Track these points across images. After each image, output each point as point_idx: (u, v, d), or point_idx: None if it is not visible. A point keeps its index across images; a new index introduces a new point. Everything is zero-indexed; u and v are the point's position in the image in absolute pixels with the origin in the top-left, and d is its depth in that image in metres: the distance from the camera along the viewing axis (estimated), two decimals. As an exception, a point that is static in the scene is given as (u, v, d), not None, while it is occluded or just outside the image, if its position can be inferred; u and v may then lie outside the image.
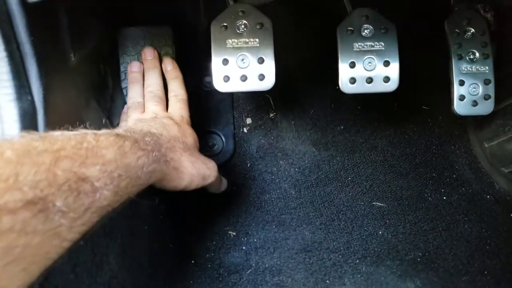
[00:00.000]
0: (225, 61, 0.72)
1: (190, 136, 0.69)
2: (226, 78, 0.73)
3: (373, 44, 0.73)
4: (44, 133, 0.42)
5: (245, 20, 0.73)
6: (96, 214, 0.41)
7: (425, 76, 0.99)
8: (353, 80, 0.73)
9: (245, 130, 0.97)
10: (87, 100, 0.69)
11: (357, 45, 0.73)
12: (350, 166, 0.96)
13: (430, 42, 0.91)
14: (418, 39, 0.92)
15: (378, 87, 0.73)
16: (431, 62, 0.95)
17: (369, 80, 0.73)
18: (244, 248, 0.88)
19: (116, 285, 0.61)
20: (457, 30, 0.80)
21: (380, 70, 0.73)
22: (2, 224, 0.31)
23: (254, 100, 0.98)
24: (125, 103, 0.81)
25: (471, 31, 0.80)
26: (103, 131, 0.48)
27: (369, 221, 0.91)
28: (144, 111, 0.73)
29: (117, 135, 0.48)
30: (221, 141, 0.94)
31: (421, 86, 0.99)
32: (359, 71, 0.73)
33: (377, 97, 0.76)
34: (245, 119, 0.97)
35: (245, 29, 0.73)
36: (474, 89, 0.79)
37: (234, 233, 0.89)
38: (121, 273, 0.63)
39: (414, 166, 0.97)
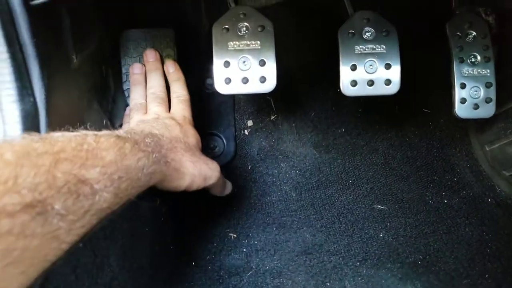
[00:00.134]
0: (227, 63, 0.72)
1: (192, 137, 0.69)
2: (228, 80, 0.73)
3: (374, 46, 0.73)
4: (45, 134, 0.42)
5: (247, 22, 0.73)
6: (96, 217, 0.41)
7: (427, 79, 0.99)
8: (354, 83, 0.73)
9: (246, 132, 0.97)
10: (89, 101, 0.69)
11: (358, 48, 0.74)
12: (351, 168, 0.96)
13: (431, 45, 0.91)
14: (419, 42, 0.92)
15: (379, 90, 0.73)
16: (433, 65, 0.95)
17: (370, 82, 0.73)
18: (244, 250, 0.88)
19: (116, 286, 0.61)
20: (458, 33, 0.80)
21: (381, 73, 0.73)
22: (1, 227, 0.31)
23: (255, 102, 0.98)
24: (126, 104, 0.81)
25: (473, 34, 0.80)
26: (104, 132, 0.48)
27: (370, 224, 0.91)
28: (146, 113, 0.73)
29: (118, 136, 0.48)
30: (222, 143, 0.94)
31: (422, 89, 0.99)
32: (360, 74, 0.73)
33: (378, 100, 0.76)
34: (246, 121, 0.97)
35: (246, 31, 0.73)
36: (475, 92, 0.79)
37: (235, 235, 0.89)
38: (122, 274, 0.63)
39: (415, 169, 0.97)
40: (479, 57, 0.79)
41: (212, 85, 0.82)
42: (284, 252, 0.87)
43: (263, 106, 0.98)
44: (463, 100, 0.79)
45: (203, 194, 0.72)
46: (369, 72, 0.73)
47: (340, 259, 0.87)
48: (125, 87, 0.82)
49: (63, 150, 0.39)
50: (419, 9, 0.92)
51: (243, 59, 0.72)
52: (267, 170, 0.96)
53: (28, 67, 0.49)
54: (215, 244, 0.88)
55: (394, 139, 0.99)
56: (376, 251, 0.87)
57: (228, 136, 0.95)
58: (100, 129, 0.48)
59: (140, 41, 0.82)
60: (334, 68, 0.75)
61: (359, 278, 0.84)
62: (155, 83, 0.77)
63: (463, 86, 0.79)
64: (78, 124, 0.51)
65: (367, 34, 0.74)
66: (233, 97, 0.96)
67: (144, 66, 0.80)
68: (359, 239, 0.89)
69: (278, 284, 0.83)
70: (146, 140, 0.54)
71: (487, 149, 0.94)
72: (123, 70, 0.82)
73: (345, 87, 0.74)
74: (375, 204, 0.93)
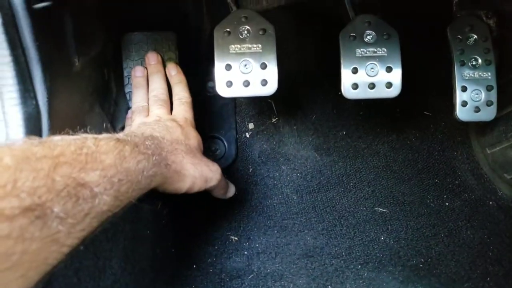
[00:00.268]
0: (228, 67, 0.73)
1: (193, 138, 0.70)
2: (229, 83, 0.73)
3: (375, 50, 0.74)
4: (44, 138, 0.42)
5: (248, 25, 0.73)
6: (96, 220, 0.41)
7: (428, 82, 0.99)
8: (355, 86, 0.73)
9: (247, 135, 0.97)
10: (90, 104, 0.69)
11: (359, 51, 0.74)
12: (352, 171, 0.96)
13: (432, 48, 0.92)
14: (420, 45, 0.92)
15: (381, 93, 0.73)
16: (434, 68, 0.96)
17: (372, 86, 0.73)
18: (246, 253, 0.87)
19: None
20: (459, 36, 0.80)
21: (382, 76, 0.73)
22: None
23: (257, 105, 0.98)
24: (128, 107, 0.82)
25: (474, 37, 0.80)
26: (104, 135, 0.48)
27: (371, 227, 0.91)
28: (148, 115, 0.73)
29: (117, 139, 0.48)
30: (223, 146, 0.95)
31: (423, 92, 0.99)
32: (362, 77, 0.73)
33: (379, 103, 0.76)
34: (248, 124, 0.97)
35: (248, 34, 0.73)
36: (476, 95, 0.79)
37: (236, 238, 0.89)
38: (123, 277, 0.63)
39: (416, 172, 0.97)
40: (480, 60, 0.79)
41: (213, 88, 0.83)
42: (285, 255, 0.87)
43: (264, 109, 0.98)
44: (464, 103, 0.79)
45: (204, 196, 0.72)
46: (370, 75, 0.73)
47: (342, 262, 0.86)
48: (127, 90, 0.83)
49: (63, 154, 0.39)
50: (420, 12, 0.92)
51: (245, 62, 0.73)
52: (268, 173, 0.96)
53: (31, 70, 0.50)
54: (216, 247, 0.88)
55: (395, 142, 0.99)
56: (378, 254, 0.87)
57: (229, 139, 0.95)
58: (101, 132, 0.49)
59: (142, 44, 0.82)
60: (335, 71, 0.75)
61: (361, 281, 0.84)
62: (157, 85, 0.78)
63: (464, 89, 0.79)
64: (80, 127, 0.51)
65: (368, 37, 0.74)
66: (234, 100, 0.97)
67: (146, 69, 0.81)
68: (361, 242, 0.89)
69: (279, 287, 0.83)
70: (146, 143, 0.54)
71: (488, 152, 0.94)
72: (125, 73, 0.83)
73: (346, 90, 0.74)
74: (376, 207, 0.93)
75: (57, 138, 0.42)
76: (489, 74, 0.79)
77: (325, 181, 0.95)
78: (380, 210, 0.92)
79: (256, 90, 0.73)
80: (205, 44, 0.90)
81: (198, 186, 0.65)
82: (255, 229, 0.90)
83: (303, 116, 0.99)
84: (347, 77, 0.74)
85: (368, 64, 0.73)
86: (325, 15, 0.97)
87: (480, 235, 0.90)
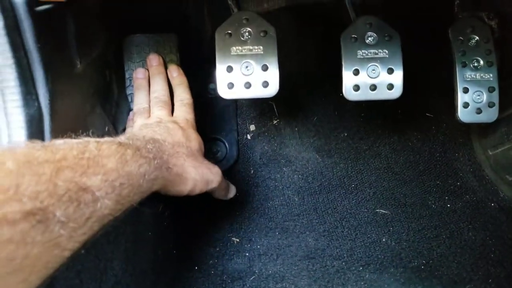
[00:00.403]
0: (229, 68, 0.73)
1: (194, 141, 0.70)
2: (230, 85, 0.73)
3: (377, 51, 0.74)
4: (47, 142, 0.42)
5: (249, 27, 0.73)
6: (98, 223, 0.41)
7: (429, 84, 0.99)
8: (356, 87, 0.73)
9: (248, 137, 0.97)
10: (92, 106, 0.69)
11: (361, 53, 0.74)
12: (353, 173, 0.96)
13: (434, 50, 0.92)
14: (421, 47, 0.92)
15: (382, 94, 0.73)
16: (435, 70, 0.95)
17: (373, 87, 0.73)
18: (247, 254, 0.87)
19: None
20: (461, 38, 0.80)
21: (383, 78, 0.73)
22: (1, 235, 0.31)
23: (258, 107, 0.98)
24: (130, 109, 0.82)
25: (475, 39, 0.80)
26: (106, 139, 0.48)
27: (373, 228, 0.91)
28: (149, 116, 0.73)
29: (119, 143, 0.48)
30: (224, 147, 0.95)
31: (424, 93, 0.99)
32: (363, 79, 0.73)
33: (380, 104, 0.76)
34: (249, 126, 0.97)
35: (249, 36, 0.73)
36: (478, 97, 0.79)
37: (238, 240, 0.89)
38: (125, 278, 0.63)
39: (417, 174, 0.97)
40: (481, 62, 0.79)
41: (215, 90, 0.83)
42: (286, 257, 0.87)
43: (265, 110, 0.98)
44: (466, 105, 0.79)
45: (205, 198, 0.72)
46: (371, 77, 0.73)
47: (343, 263, 0.86)
48: (128, 91, 0.83)
49: (65, 158, 0.39)
50: (421, 13, 0.92)
51: (246, 64, 0.73)
52: (270, 175, 0.96)
53: (33, 72, 0.50)
54: (217, 249, 0.88)
55: (397, 144, 0.99)
56: (379, 256, 0.87)
57: (231, 141, 0.95)
58: (103, 134, 0.49)
59: (144, 46, 0.83)
60: (337, 73, 0.75)
61: (362, 283, 0.83)
62: (158, 87, 0.78)
63: (465, 90, 0.79)
64: (82, 128, 0.51)
65: (369, 39, 0.74)
66: (235, 101, 0.97)
67: (148, 71, 0.81)
68: (362, 243, 0.89)
69: (281, 288, 0.83)
70: (148, 146, 0.54)
71: (490, 153, 0.94)
72: (127, 75, 0.83)
73: (348, 91, 0.74)
74: (377, 209, 0.93)
75: (59, 142, 0.43)
76: (491, 75, 0.79)
77: (326, 183, 0.95)
78: (382, 212, 0.92)
79: (258, 92, 0.73)
80: (206, 46, 0.90)
81: (199, 188, 0.65)
82: (257, 230, 0.90)
83: (304, 117, 0.99)
84: (348, 79, 0.74)
85: (370, 66, 0.73)
86: (326, 17, 0.97)
87: (482, 237, 0.89)
